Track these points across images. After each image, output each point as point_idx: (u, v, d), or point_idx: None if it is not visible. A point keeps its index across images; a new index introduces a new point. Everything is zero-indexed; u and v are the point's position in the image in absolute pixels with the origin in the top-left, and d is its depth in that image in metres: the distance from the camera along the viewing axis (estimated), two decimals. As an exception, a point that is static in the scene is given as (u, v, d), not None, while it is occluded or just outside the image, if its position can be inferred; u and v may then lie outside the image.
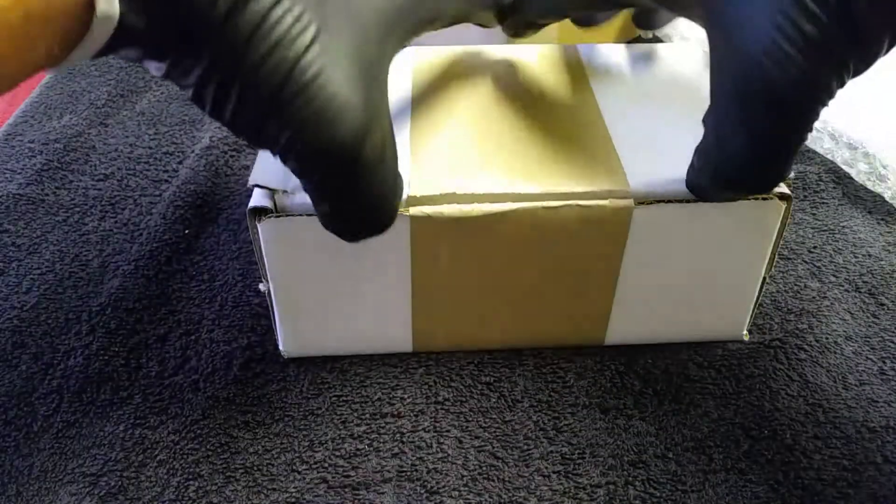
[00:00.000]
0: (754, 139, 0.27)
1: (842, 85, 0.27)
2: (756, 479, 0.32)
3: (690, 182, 0.32)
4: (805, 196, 0.50)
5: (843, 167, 0.51)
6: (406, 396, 0.36)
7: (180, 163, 0.51)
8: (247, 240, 0.44)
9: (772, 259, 0.35)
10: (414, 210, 0.32)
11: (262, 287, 0.35)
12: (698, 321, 0.38)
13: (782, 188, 0.33)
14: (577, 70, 0.41)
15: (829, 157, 0.52)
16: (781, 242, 0.35)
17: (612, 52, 0.42)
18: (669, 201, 0.33)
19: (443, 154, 0.35)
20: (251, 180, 0.32)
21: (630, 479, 0.32)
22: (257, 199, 0.33)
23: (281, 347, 0.37)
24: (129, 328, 0.40)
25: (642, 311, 0.37)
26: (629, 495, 0.31)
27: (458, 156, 0.35)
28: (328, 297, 0.36)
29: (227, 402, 0.36)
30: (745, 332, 0.38)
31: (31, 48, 0.21)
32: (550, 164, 0.35)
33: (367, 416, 0.35)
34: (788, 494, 0.31)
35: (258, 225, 0.33)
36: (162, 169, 0.51)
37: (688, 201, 0.33)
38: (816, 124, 0.52)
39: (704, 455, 0.33)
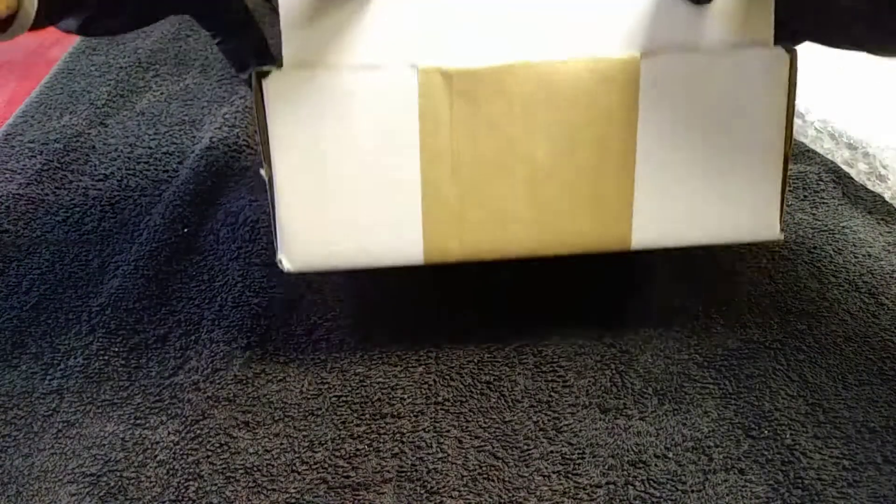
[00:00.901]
0: None
1: None
2: (756, 478, 0.32)
3: None
4: (805, 196, 0.50)
5: (843, 167, 0.51)
6: (406, 396, 0.36)
7: (180, 163, 0.51)
8: (246, 239, 0.44)
9: (789, 132, 0.33)
10: (423, 64, 0.31)
11: (262, 172, 0.33)
12: (728, 216, 0.34)
13: (791, 51, 0.33)
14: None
15: (829, 157, 0.52)
16: (782, 242, 0.34)
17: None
18: (676, 52, 0.32)
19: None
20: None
21: (630, 478, 0.32)
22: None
23: (281, 258, 0.34)
24: (129, 328, 0.40)
25: (667, 202, 0.34)
26: (629, 495, 0.31)
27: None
28: (332, 182, 0.33)
29: (228, 402, 0.36)
30: (779, 230, 0.35)
31: None
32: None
33: (367, 416, 0.35)
34: (788, 494, 0.31)
35: (263, 82, 0.31)
36: (162, 169, 0.51)
37: (692, 51, 0.32)
38: (816, 125, 0.52)
39: (704, 455, 0.33)
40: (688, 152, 0.33)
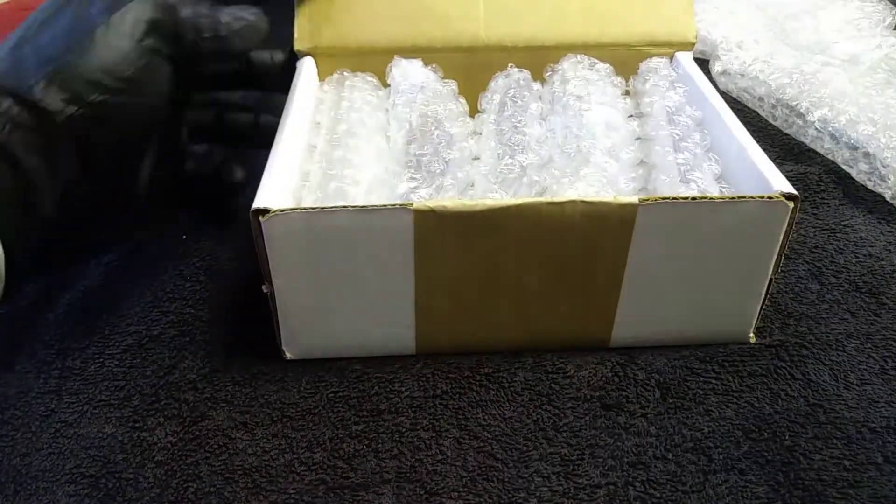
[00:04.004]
0: None
1: None
2: (756, 479, 0.32)
3: None
4: (806, 196, 0.49)
5: (844, 167, 0.51)
6: (404, 390, 0.36)
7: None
8: (244, 241, 0.44)
9: (778, 260, 0.35)
10: (418, 204, 0.32)
11: (264, 289, 0.35)
12: (704, 323, 0.37)
13: (788, 188, 0.33)
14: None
15: (829, 157, 0.52)
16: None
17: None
18: (675, 199, 0.33)
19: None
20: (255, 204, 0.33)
21: (630, 479, 0.32)
22: (260, 200, 0.33)
23: (283, 349, 0.37)
24: (124, 329, 0.40)
25: (648, 313, 0.36)
26: (629, 496, 0.31)
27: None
28: (331, 298, 0.35)
29: (226, 402, 0.36)
30: (751, 333, 0.38)
31: None
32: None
33: (366, 413, 0.35)
34: (789, 495, 0.31)
35: (262, 223, 0.32)
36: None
37: (693, 200, 0.33)
38: (817, 125, 0.51)
39: (704, 455, 0.33)
40: (674, 278, 0.36)
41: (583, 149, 0.38)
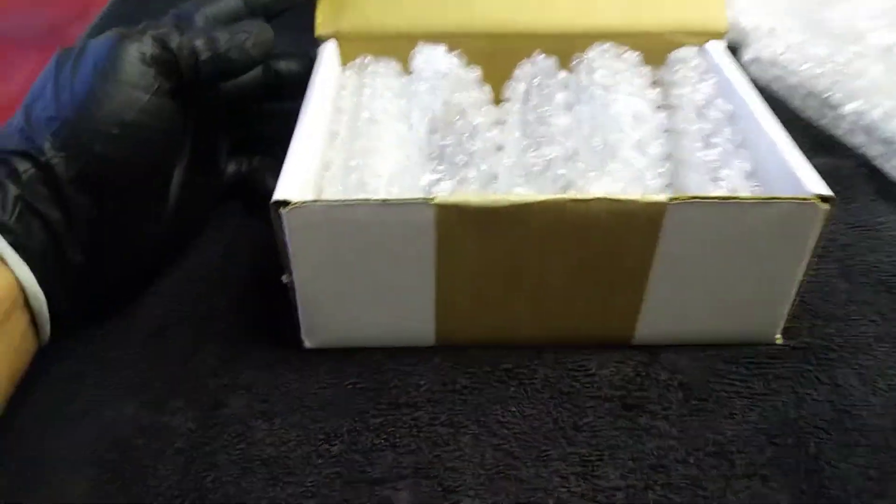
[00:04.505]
0: None
1: None
2: (778, 486, 0.31)
3: None
4: (837, 191, 0.48)
5: (877, 162, 0.49)
6: (423, 383, 0.36)
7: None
8: (266, 228, 0.44)
9: (811, 262, 0.34)
10: (440, 198, 0.32)
11: (284, 279, 0.35)
12: (730, 323, 0.37)
13: (823, 189, 0.32)
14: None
15: (862, 150, 0.50)
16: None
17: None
18: (704, 199, 0.32)
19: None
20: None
21: (650, 482, 0.31)
22: (281, 191, 0.32)
23: (303, 338, 0.37)
24: (147, 314, 0.40)
25: (673, 312, 0.36)
26: (648, 499, 0.31)
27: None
28: (351, 290, 0.35)
29: (245, 390, 0.36)
30: (778, 335, 0.37)
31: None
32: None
33: (384, 405, 0.35)
34: None
35: (283, 215, 0.32)
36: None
37: (724, 200, 0.32)
38: (850, 118, 0.50)
39: (726, 460, 0.32)
40: (701, 278, 0.35)
41: (610, 142, 0.38)
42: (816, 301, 0.40)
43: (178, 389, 0.36)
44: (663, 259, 0.34)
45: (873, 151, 0.49)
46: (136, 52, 0.36)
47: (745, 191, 0.35)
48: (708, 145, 0.37)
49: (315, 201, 0.32)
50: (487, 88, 0.44)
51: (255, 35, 0.38)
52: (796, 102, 0.55)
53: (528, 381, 0.36)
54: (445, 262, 0.34)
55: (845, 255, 0.43)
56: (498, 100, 0.45)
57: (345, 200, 0.32)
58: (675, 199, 0.32)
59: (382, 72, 0.44)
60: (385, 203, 0.32)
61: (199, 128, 0.40)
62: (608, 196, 0.32)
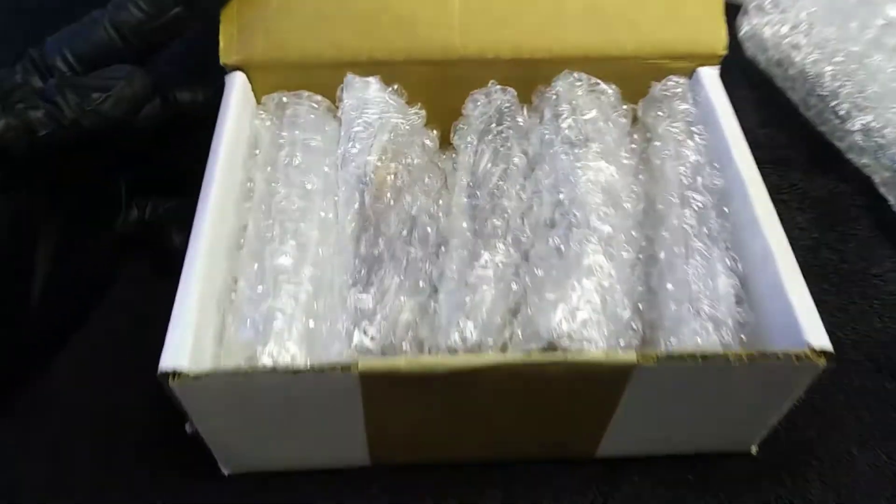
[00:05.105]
0: None
1: None
2: None
3: None
4: (832, 225, 0.43)
5: (881, 189, 0.43)
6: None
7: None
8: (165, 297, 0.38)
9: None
10: (363, 365, 0.26)
11: (188, 428, 0.30)
12: (702, 441, 0.33)
13: (821, 338, 0.27)
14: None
15: (865, 171, 0.44)
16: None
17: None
18: (681, 357, 0.27)
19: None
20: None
21: None
22: (169, 355, 0.27)
23: (220, 466, 0.33)
24: (42, 419, 0.35)
25: (639, 436, 0.32)
26: None
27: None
28: (267, 434, 0.30)
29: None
30: (753, 447, 0.33)
31: None
32: None
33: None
34: None
35: (173, 388, 0.26)
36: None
37: (704, 358, 0.27)
38: (857, 137, 0.43)
39: None
40: (671, 418, 0.31)
41: (574, 238, 0.31)
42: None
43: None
44: (629, 406, 0.29)
45: (879, 177, 0.43)
46: None
47: (730, 320, 0.30)
48: (690, 251, 0.31)
49: (211, 373, 0.26)
50: (433, 135, 0.37)
51: (117, 91, 0.31)
52: (796, 96, 0.48)
53: (477, 520, 0.32)
54: (376, 418, 0.29)
55: (835, 321, 0.38)
56: (446, 140, 0.37)
57: (246, 370, 0.26)
58: (646, 357, 0.27)
59: (303, 116, 0.36)
60: (298, 373, 0.26)
61: (71, 191, 0.34)
62: (567, 359, 0.27)
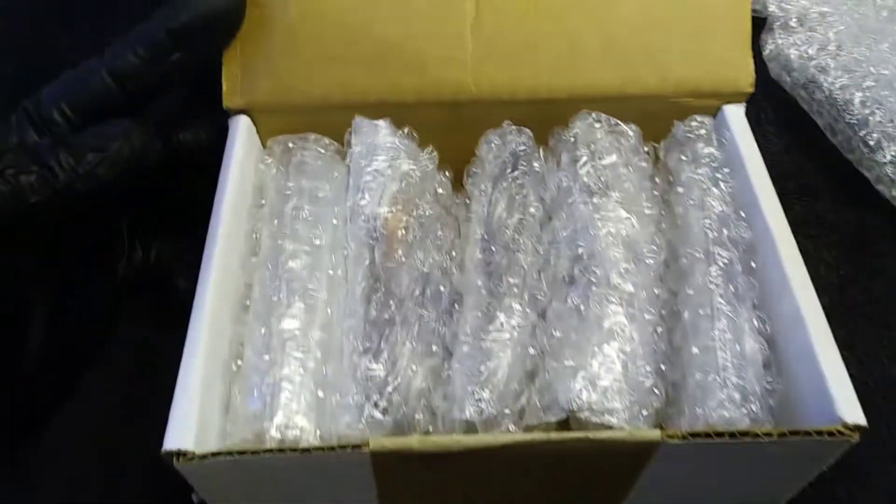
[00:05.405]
0: None
1: None
2: None
3: None
4: (860, 259, 0.41)
5: (913, 223, 0.41)
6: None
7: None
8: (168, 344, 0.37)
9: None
10: (374, 443, 0.25)
11: (195, 499, 0.29)
12: (729, 498, 0.31)
13: (855, 411, 0.26)
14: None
15: (895, 203, 0.42)
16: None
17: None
18: (707, 436, 0.25)
19: None
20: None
21: None
22: (173, 435, 0.26)
23: None
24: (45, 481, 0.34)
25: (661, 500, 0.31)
26: None
27: None
28: None
29: None
30: None
31: None
32: None
33: None
34: None
35: (179, 469, 0.26)
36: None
37: (732, 437, 0.25)
38: (888, 168, 0.41)
39: None
40: (696, 487, 0.29)
41: (593, 298, 0.30)
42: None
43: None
44: (651, 477, 0.28)
45: (910, 211, 0.41)
46: None
47: (758, 388, 0.28)
48: (716, 312, 0.29)
49: (216, 454, 0.25)
50: (446, 180, 0.35)
51: (115, 151, 0.30)
52: (823, 121, 0.46)
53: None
54: (389, 491, 0.28)
55: (863, 367, 0.37)
56: (459, 179, 0.36)
57: (254, 450, 0.25)
58: (671, 435, 0.25)
59: (310, 164, 0.35)
60: (305, 454, 0.25)
61: (69, 241, 0.33)
62: (589, 437, 0.25)
